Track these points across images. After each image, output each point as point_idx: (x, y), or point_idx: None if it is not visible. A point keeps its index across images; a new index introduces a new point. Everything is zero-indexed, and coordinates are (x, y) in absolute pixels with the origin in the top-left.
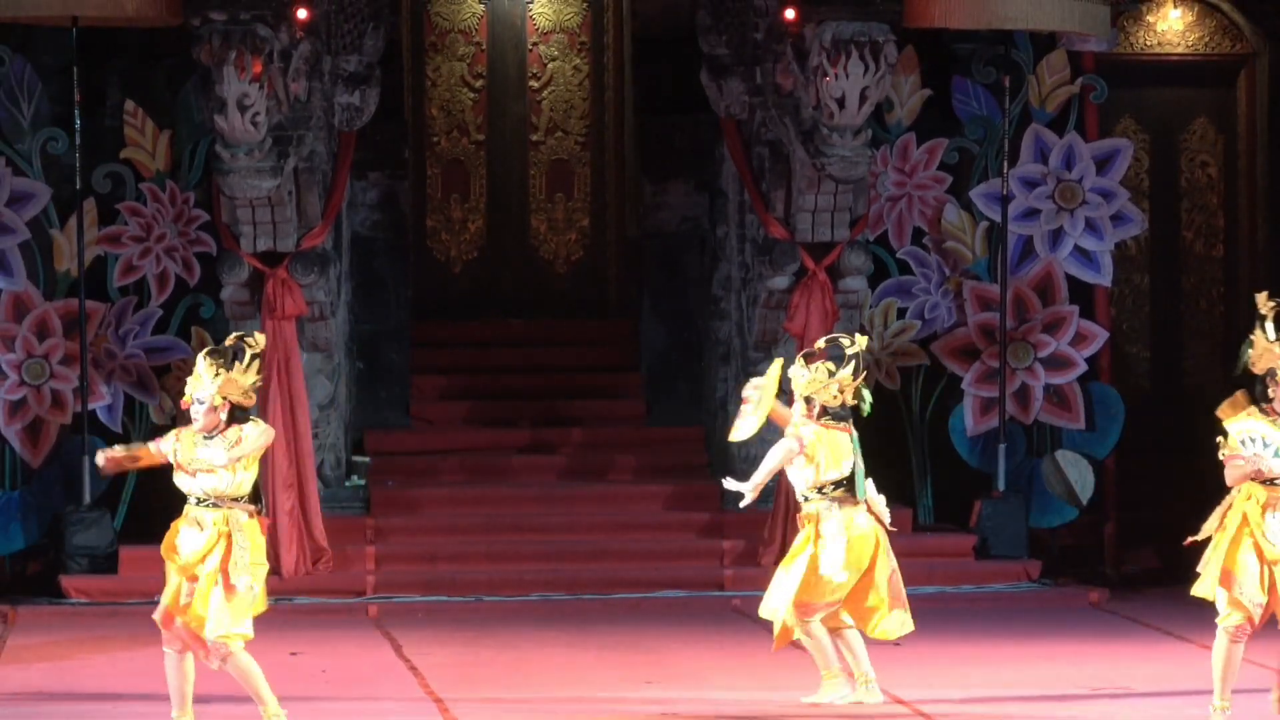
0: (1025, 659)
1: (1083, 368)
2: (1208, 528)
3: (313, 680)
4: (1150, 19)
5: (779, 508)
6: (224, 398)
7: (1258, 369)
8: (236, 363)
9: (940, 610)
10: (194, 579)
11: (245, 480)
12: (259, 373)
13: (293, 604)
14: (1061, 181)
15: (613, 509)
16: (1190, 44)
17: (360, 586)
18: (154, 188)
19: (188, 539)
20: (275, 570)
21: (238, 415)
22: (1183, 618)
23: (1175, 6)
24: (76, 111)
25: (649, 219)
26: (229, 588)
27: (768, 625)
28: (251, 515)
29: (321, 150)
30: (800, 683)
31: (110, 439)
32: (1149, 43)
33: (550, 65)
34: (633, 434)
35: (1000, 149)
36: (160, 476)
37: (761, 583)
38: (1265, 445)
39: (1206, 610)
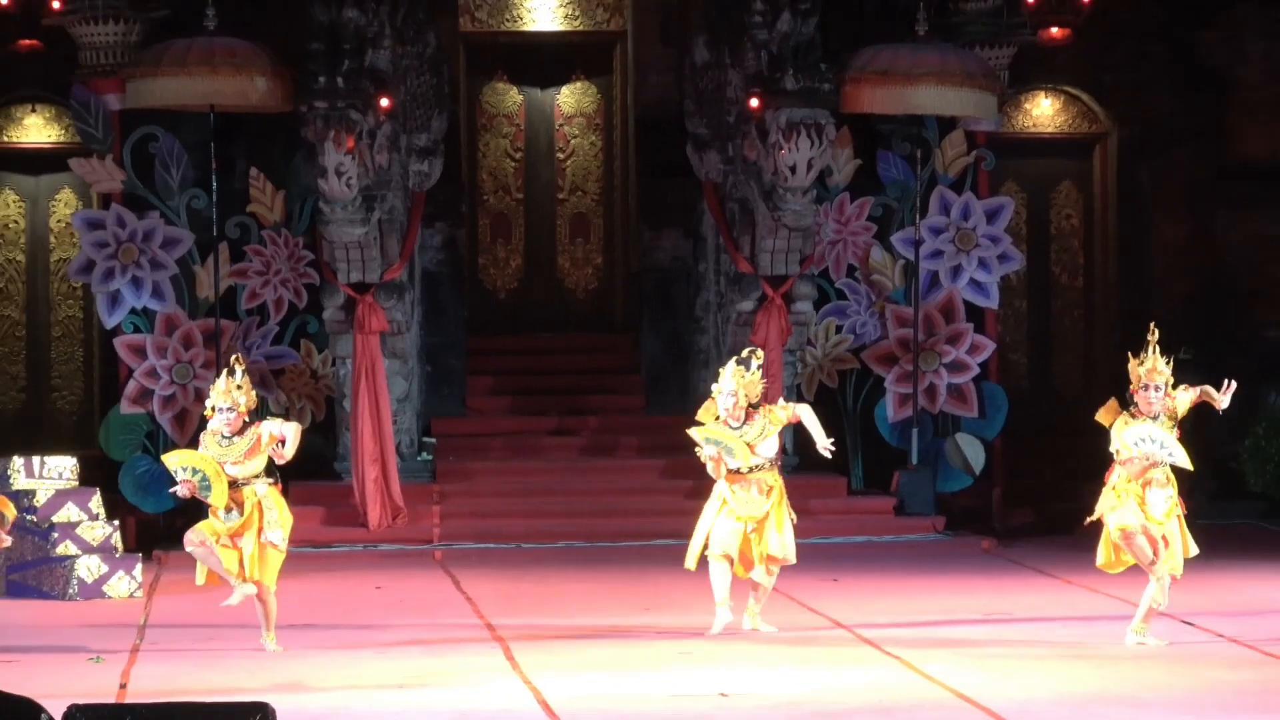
0: (933, 592)
1: (976, 371)
2: (1101, 508)
3: (391, 608)
4: (1027, 106)
5: None
6: (246, 406)
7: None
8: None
9: (868, 555)
10: (235, 537)
11: (259, 462)
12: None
13: (377, 550)
14: (960, 229)
15: (620, 478)
16: (1058, 125)
17: (428, 537)
18: (272, 234)
19: (224, 517)
20: (363, 523)
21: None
22: (1054, 561)
23: (1046, 96)
24: (214, 176)
25: (647, 257)
26: (263, 546)
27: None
28: (271, 485)
29: (399, 205)
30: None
31: None
32: (1026, 124)
33: (573, 140)
34: (635, 421)
35: (914, 205)
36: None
37: None
38: (1152, 441)
39: (1073, 554)
